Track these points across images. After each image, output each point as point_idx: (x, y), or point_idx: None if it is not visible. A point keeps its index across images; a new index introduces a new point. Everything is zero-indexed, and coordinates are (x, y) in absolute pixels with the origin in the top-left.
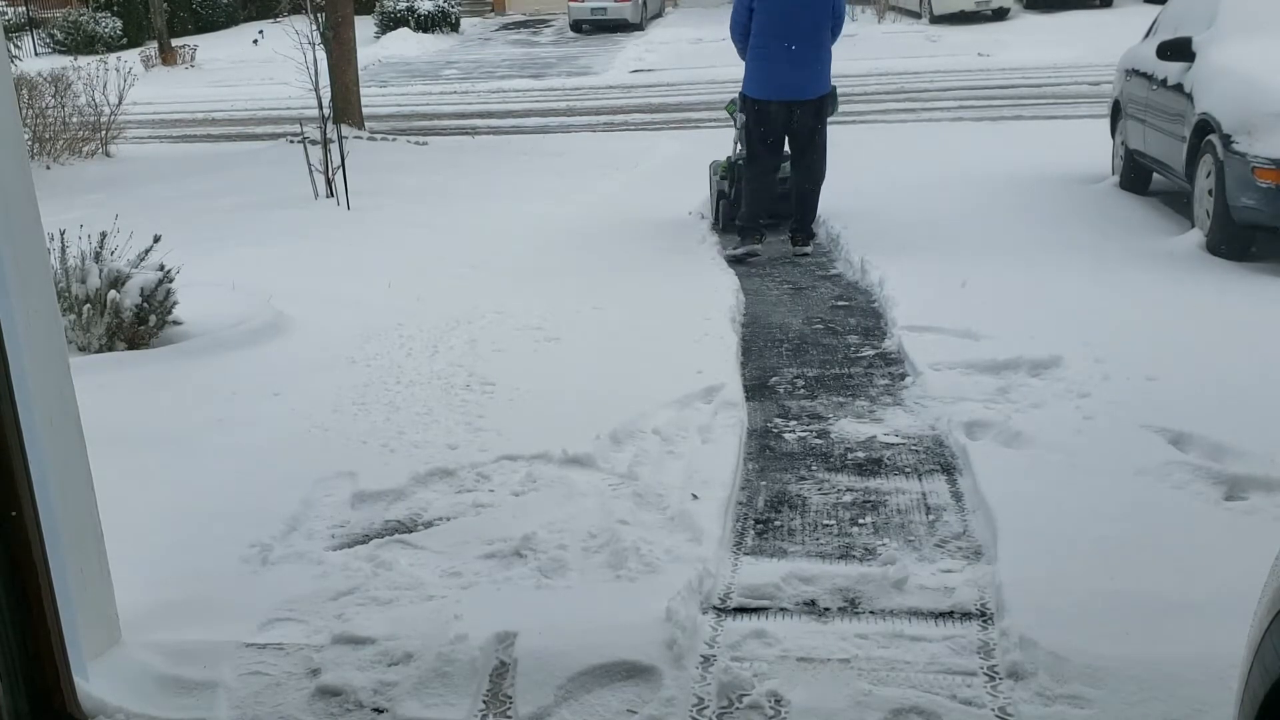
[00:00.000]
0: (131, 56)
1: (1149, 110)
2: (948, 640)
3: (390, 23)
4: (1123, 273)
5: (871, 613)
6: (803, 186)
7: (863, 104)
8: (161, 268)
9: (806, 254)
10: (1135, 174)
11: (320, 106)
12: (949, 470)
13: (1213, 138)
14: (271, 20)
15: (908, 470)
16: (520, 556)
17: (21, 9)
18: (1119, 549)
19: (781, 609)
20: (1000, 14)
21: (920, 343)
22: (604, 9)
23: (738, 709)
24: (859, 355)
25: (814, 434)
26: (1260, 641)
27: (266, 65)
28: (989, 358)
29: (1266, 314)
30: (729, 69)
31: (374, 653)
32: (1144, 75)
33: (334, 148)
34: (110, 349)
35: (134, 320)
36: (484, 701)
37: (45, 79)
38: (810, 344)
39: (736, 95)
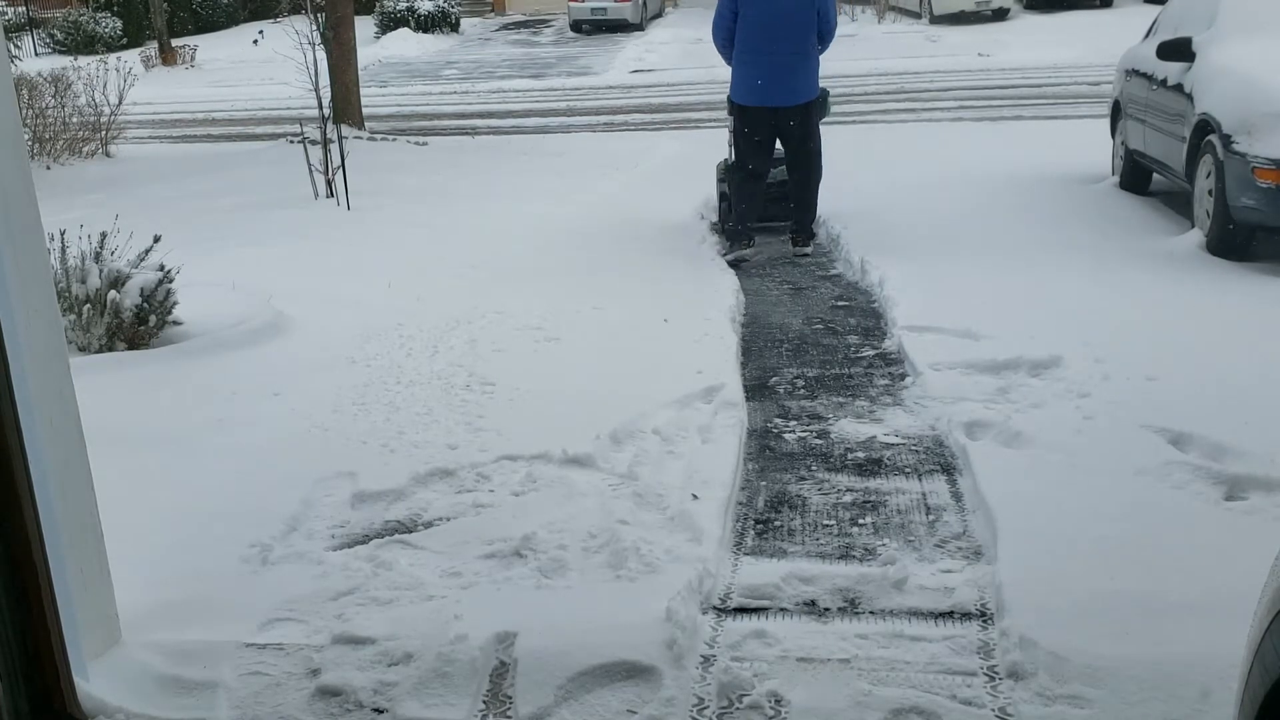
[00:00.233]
0: (131, 56)
1: (1149, 110)
2: (948, 640)
3: (390, 23)
4: (1123, 273)
5: (871, 613)
6: (798, 189)
7: (863, 104)
8: (161, 268)
9: (807, 254)
10: (1135, 174)
11: (320, 106)
12: (949, 470)
13: (1213, 138)
14: (271, 20)
15: (908, 470)
16: (520, 556)
17: (21, 9)
18: (1119, 549)
19: (781, 609)
20: (1000, 14)
21: (920, 343)
22: (604, 9)
23: (738, 709)
24: (859, 355)
25: (814, 434)
26: (1260, 641)
27: (266, 65)
28: (989, 358)
29: (1266, 314)
30: (729, 69)
31: (374, 653)
32: (1144, 75)
33: (334, 148)
34: (110, 349)
35: (134, 320)
36: (484, 701)
37: (45, 79)
38: (810, 344)
39: None
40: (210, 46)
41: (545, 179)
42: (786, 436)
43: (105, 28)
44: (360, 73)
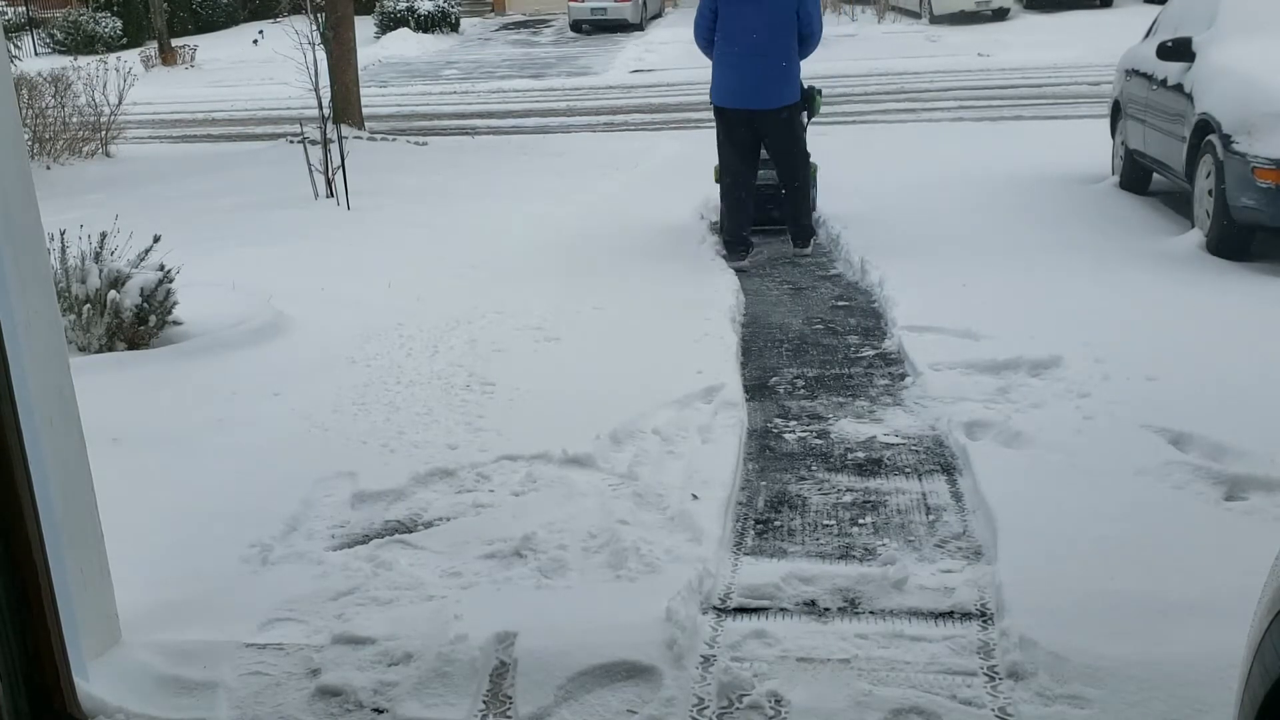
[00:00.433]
0: (131, 56)
1: (1149, 110)
2: (948, 640)
3: (390, 23)
4: (1123, 273)
5: (871, 613)
6: (789, 193)
7: (863, 104)
8: (161, 268)
9: (807, 254)
10: (1135, 174)
11: (320, 106)
12: (949, 470)
13: (1213, 138)
14: (271, 20)
15: (908, 470)
16: (520, 556)
17: (21, 9)
18: (1119, 549)
19: (781, 609)
20: (1000, 14)
21: (920, 343)
22: (604, 9)
23: (738, 709)
24: (859, 355)
25: (814, 434)
26: (1260, 641)
27: (266, 65)
28: (989, 358)
29: (1266, 314)
30: None
31: (374, 653)
32: (1144, 75)
33: (334, 148)
34: (110, 349)
35: (134, 320)
36: (484, 701)
37: (45, 79)
38: (810, 344)
39: None
40: (210, 46)
41: (545, 179)
42: (786, 436)
43: (105, 28)
44: (360, 73)
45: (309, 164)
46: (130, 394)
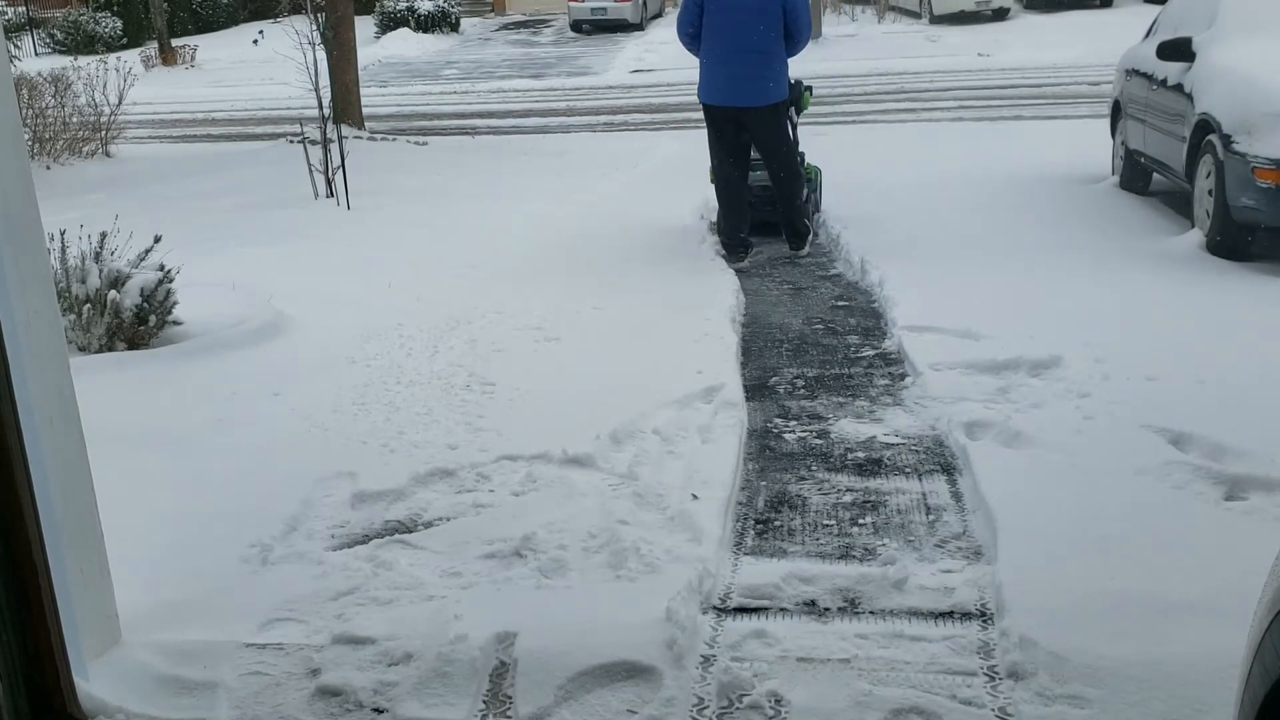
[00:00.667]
0: (131, 56)
1: (1149, 110)
2: (948, 640)
3: (390, 23)
4: (1123, 273)
5: (871, 613)
6: (780, 192)
7: (863, 104)
8: (161, 268)
9: (803, 255)
10: (1135, 174)
11: (320, 106)
12: (949, 470)
13: (1213, 138)
14: (271, 20)
15: (908, 470)
16: (520, 556)
17: (21, 9)
18: (1119, 549)
19: (781, 609)
20: (1000, 14)
21: (920, 343)
22: (604, 9)
23: (738, 709)
24: (859, 355)
25: (814, 434)
26: (1260, 641)
27: (266, 65)
28: (989, 358)
29: (1266, 314)
30: None
31: (374, 653)
32: (1144, 75)
33: (334, 148)
34: (110, 349)
35: (134, 320)
36: (484, 701)
37: (45, 79)
38: (810, 344)
39: None
40: (210, 46)
41: (545, 179)
42: (786, 436)
43: (105, 28)
44: (360, 73)
45: (309, 164)
46: (130, 394)
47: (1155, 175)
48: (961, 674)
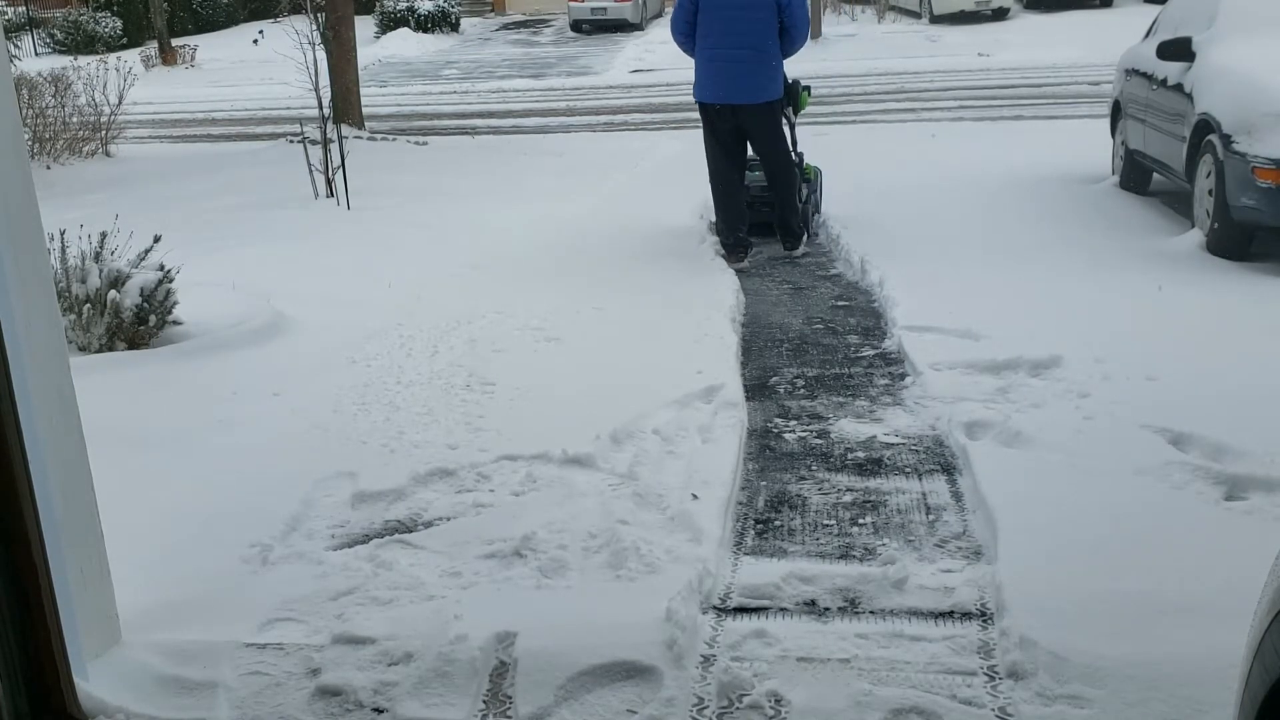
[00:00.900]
0: (131, 56)
1: (1149, 110)
2: (948, 640)
3: (390, 23)
4: (1122, 272)
5: (871, 613)
6: (774, 191)
7: (863, 104)
8: (161, 268)
9: (797, 254)
10: (1135, 174)
11: (320, 106)
12: (949, 470)
13: (1213, 138)
14: (271, 20)
15: (908, 470)
16: (520, 556)
17: (21, 9)
18: (1119, 549)
19: (781, 609)
20: (1000, 14)
21: (920, 343)
22: (604, 9)
23: (738, 709)
24: (859, 355)
25: (814, 434)
26: (1260, 641)
27: (266, 65)
28: (989, 358)
29: (1266, 314)
30: None
31: (374, 653)
32: (1144, 75)
33: (334, 148)
34: (110, 349)
35: (134, 320)
36: (484, 701)
37: (45, 79)
38: (810, 344)
39: None
40: (210, 46)
41: (545, 179)
42: (786, 436)
43: (105, 28)
44: (360, 73)
45: (309, 164)
46: (130, 394)
47: (1155, 175)
48: (961, 674)
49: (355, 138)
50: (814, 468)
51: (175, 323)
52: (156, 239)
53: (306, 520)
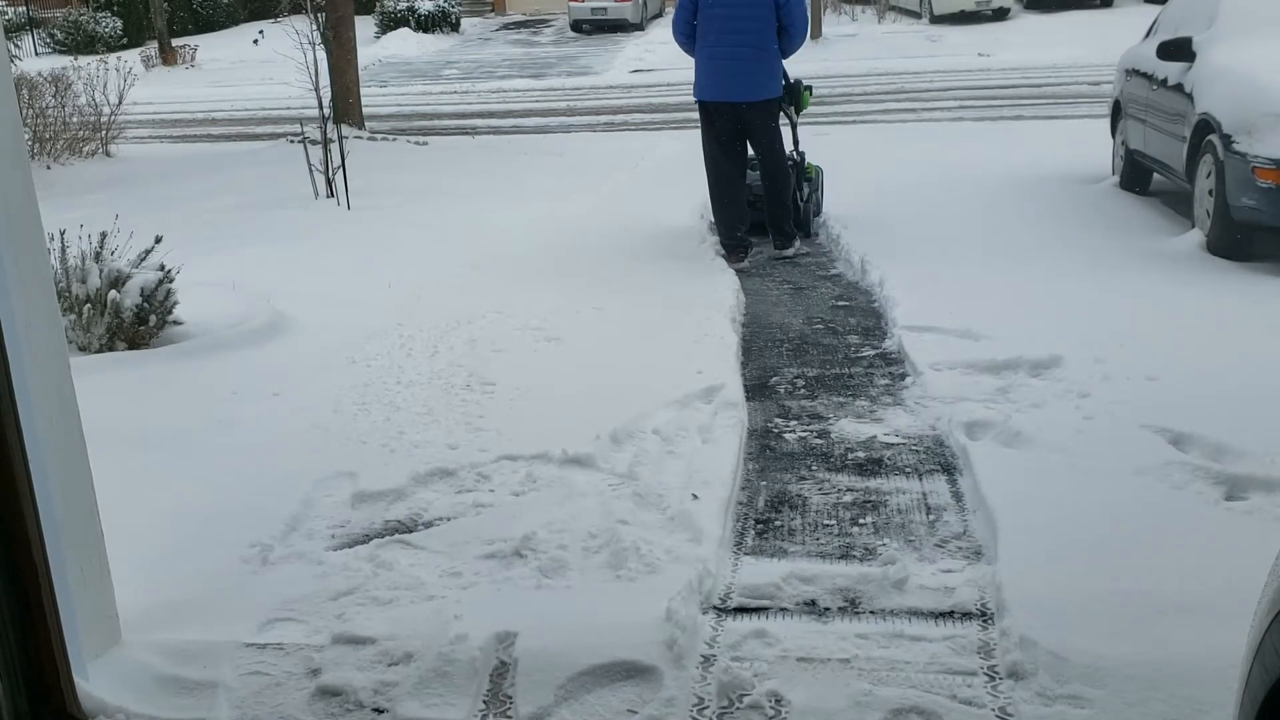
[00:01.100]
0: (132, 56)
1: (1149, 110)
2: (948, 640)
3: (390, 23)
4: (1122, 272)
5: (871, 613)
6: (768, 190)
7: (863, 104)
8: (162, 268)
9: (787, 254)
10: (1135, 174)
11: (320, 106)
12: (949, 470)
13: (1213, 138)
14: (271, 20)
15: (908, 470)
16: (520, 556)
17: (21, 9)
18: (1119, 549)
19: (782, 609)
20: (1000, 14)
21: (920, 343)
22: (604, 9)
23: (738, 709)
24: (859, 355)
25: (814, 434)
26: (1260, 641)
27: (266, 65)
28: (989, 358)
29: (1266, 314)
30: None
31: (374, 653)
32: (1144, 75)
33: (334, 148)
34: (110, 349)
35: (134, 320)
36: (484, 701)
37: (45, 79)
38: (810, 344)
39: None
40: (210, 46)
41: (545, 179)
42: (787, 436)
43: (105, 28)
44: (360, 73)
45: (309, 164)
46: (130, 394)
47: (1155, 175)
48: (962, 674)
49: (355, 138)
50: (814, 468)
51: (175, 323)
52: (157, 239)
53: (306, 520)
